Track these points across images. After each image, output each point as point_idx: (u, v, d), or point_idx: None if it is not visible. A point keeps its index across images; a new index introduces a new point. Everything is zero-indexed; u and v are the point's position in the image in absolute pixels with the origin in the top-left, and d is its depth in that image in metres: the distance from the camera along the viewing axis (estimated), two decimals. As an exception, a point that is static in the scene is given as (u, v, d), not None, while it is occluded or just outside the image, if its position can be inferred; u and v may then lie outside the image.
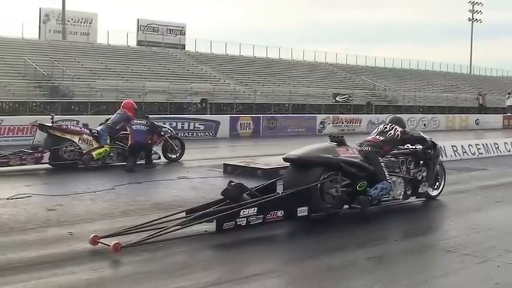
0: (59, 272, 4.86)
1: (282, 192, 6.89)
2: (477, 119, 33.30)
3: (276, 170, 10.10)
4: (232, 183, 6.70)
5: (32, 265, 5.04)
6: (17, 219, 6.84)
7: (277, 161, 11.12)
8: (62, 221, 6.74)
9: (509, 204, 8.75)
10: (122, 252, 5.39)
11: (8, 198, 8.05)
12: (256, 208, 6.30)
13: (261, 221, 6.33)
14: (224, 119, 22.86)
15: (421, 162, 8.19)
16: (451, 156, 13.80)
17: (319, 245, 6.03)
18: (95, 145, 11.75)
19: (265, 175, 9.86)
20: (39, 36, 38.45)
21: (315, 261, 5.46)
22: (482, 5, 66.55)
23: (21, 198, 8.09)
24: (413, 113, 34.32)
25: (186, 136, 19.25)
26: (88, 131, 12.00)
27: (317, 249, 5.83)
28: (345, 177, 7.06)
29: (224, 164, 11.39)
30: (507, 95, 37.51)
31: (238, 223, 6.16)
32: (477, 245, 6.00)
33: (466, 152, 14.67)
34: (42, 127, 11.89)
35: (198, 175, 10.76)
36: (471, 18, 66.72)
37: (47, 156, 11.38)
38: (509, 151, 15.85)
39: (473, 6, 66.25)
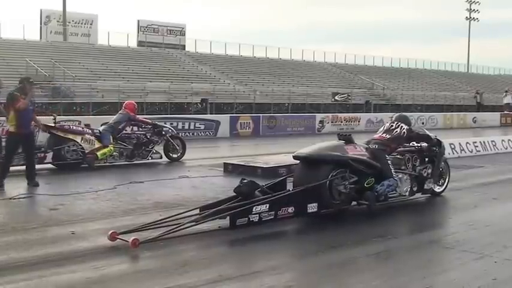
0: (60, 271, 4.90)
1: (292, 189, 7.03)
2: (475, 117, 33.33)
3: (275, 169, 10.21)
4: (245, 181, 6.82)
5: (33, 264, 5.08)
6: (19, 219, 6.91)
7: (276, 160, 11.24)
8: (64, 221, 6.79)
9: (507, 201, 8.81)
10: (123, 251, 5.47)
11: (10, 198, 8.11)
12: (268, 205, 6.44)
13: (272, 217, 6.48)
14: (224, 119, 22.90)
15: (427, 159, 8.34)
16: (449, 154, 13.81)
17: (323, 241, 6.11)
18: (97, 145, 11.84)
19: (264, 174, 9.95)
20: (40, 38, 38.52)
21: (316, 258, 5.53)
22: (479, 4, 66.70)
23: (23, 198, 8.16)
24: (411, 112, 34.35)
25: (186, 136, 19.29)
26: (90, 131, 12.08)
27: (321, 245, 5.90)
28: (353, 174, 7.21)
29: (224, 163, 11.46)
30: (504, 93, 37.57)
31: (251, 219, 6.31)
32: (475, 241, 6.07)
33: (463, 150, 14.76)
34: (44, 127, 11.94)
35: (199, 174, 10.82)
36: (468, 17, 66.76)
37: (50, 156, 11.44)
38: (506, 148, 15.93)
39: (470, 5, 66.35)
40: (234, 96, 33.15)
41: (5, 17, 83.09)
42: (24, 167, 11.04)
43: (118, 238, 5.67)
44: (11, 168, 10.79)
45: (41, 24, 39.32)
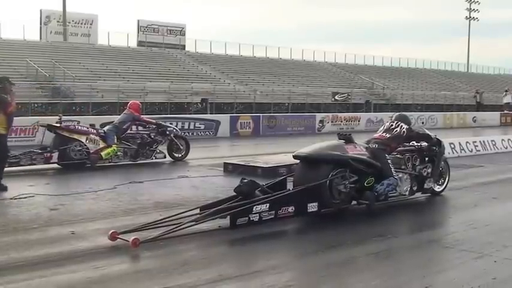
0: (61, 271, 4.91)
1: (292, 189, 7.06)
2: (474, 117, 33.36)
3: (275, 169, 10.22)
4: (245, 180, 6.84)
5: (34, 264, 5.09)
6: (20, 219, 6.92)
7: (276, 160, 11.25)
8: (64, 221, 6.80)
9: (507, 201, 8.82)
10: (123, 251, 5.48)
11: (11, 198, 8.12)
12: (268, 204, 6.46)
13: (272, 216, 6.50)
14: (224, 119, 22.92)
15: (427, 158, 8.37)
16: (449, 153, 13.82)
17: (323, 240, 6.12)
18: (102, 145, 11.93)
19: (264, 173, 9.96)
20: (41, 38, 38.53)
21: (316, 257, 5.54)
22: (479, 3, 66.70)
23: (24, 198, 8.15)
24: (411, 111, 34.32)
25: (186, 136, 19.29)
26: (95, 131, 12.20)
27: (321, 245, 5.91)
28: (353, 173, 7.24)
29: (224, 163, 11.48)
30: (504, 93, 37.67)
31: (251, 219, 6.32)
32: (474, 240, 6.08)
33: (463, 149, 14.78)
34: (50, 127, 12.03)
35: (199, 174, 10.84)
36: (468, 16, 66.75)
37: (55, 156, 11.54)
38: (506, 148, 15.95)
39: (470, 4, 66.32)
40: (234, 96, 33.16)
41: (5, 17, 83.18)
42: (27, 167, 11.18)
43: (118, 238, 5.69)
44: (14, 168, 10.87)
45: (41, 24, 39.31)
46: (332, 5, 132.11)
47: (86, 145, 11.78)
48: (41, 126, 13.32)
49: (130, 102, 13.53)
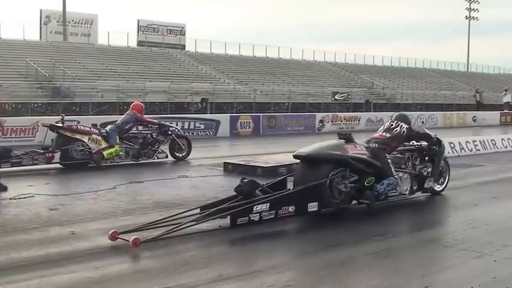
0: (61, 271, 4.92)
1: (292, 189, 7.07)
2: (474, 116, 33.37)
3: (276, 168, 10.23)
4: (245, 180, 6.84)
5: (34, 264, 5.10)
6: (19, 219, 6.92)
7: (276, 159, 11.26)
8: (64, 221, 6.81)
9: (507, 200, 8.82)
10: (123, 251, 5.48)
11: (11, 198, 8.12)
12: (268, 204, 6.46)
13: (273, 216, 6.50)
14: (224, 118, 22.92)
15: (427, 158, 8.38)
16: (449, 153, 13.82)
17: (323, 240, 6.12)
18: (104, 145, 11.95)
19: (264, 173, 9.97)
20: (40, 38, 38.51)
21: (316, 257, 5.55)
22: (479, 3, 66.67)
23: (24, 198, 8.16)
24: (411, 111, 34.30)
25: (187, 135, 19.30)
26: (97, 131, 12.24)
27: (321, 244, 5.92)
28: (353, 173, 7.25)
29: (224, 162, 11.49)
30: (504, 92, 37.70)
31: (252, 218, 6.33)
32: (474, 240, 6.08)
33: (463, 149, 14.78)
34: (52, 127, 12.06)
35: (199, 174, 10.84)
36: (468, 16, 66.75)
37: (57, 156, 11.57)
38: (506, 147, 15.95)
39: (470, 4, 66.29)
40: (234, 95, 33.16)
41: (5, 17, 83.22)
42: (29, 167, 11.17)
43: (119, 238, 5.70)
44: (13, 169, 10.88)
45: (41, 24, 39.28)
46: (332, 4, 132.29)
47: (88, 145, 11.82)
48: (43, 126, 13.35)
49: (134, 103, 13.56)
